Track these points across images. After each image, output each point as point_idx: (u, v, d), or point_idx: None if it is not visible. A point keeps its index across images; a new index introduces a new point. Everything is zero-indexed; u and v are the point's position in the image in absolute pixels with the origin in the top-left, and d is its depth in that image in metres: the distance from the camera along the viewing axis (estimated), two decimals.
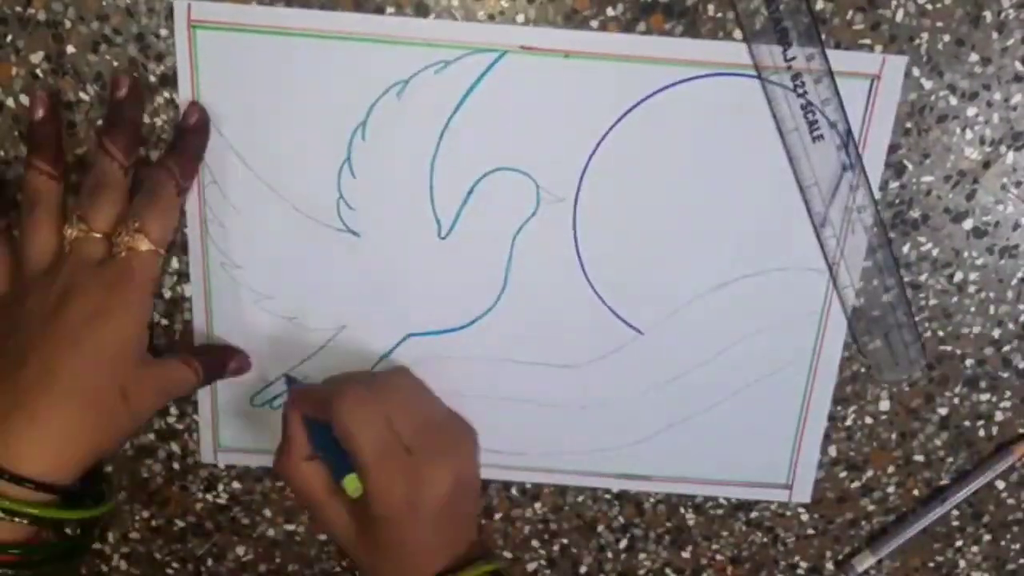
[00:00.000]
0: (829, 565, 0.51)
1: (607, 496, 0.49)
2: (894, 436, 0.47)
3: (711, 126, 0.41)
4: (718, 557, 0.51)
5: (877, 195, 0.42)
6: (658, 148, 0.41)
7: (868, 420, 0.47)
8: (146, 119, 0.41)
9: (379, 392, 0.39)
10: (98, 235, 0.38)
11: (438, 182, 0.42)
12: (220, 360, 0.44)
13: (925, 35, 0.40)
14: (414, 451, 0.38)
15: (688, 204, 0.42)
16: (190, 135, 0.40)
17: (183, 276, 0.44)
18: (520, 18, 0.40)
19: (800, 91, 0.40)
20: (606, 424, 0.46)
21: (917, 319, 0.44)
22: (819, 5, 0.39)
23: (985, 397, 0.46)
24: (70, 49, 0.40)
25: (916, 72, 0.41)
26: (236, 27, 0.40)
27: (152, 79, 0.41)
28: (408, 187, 0.42)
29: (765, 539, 0.50)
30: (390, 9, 0.40)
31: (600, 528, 0.50)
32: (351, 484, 0.38)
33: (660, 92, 0.40)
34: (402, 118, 0.41)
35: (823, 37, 0.39)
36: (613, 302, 0.44)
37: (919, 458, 0.48)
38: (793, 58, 0.39)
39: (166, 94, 0.41)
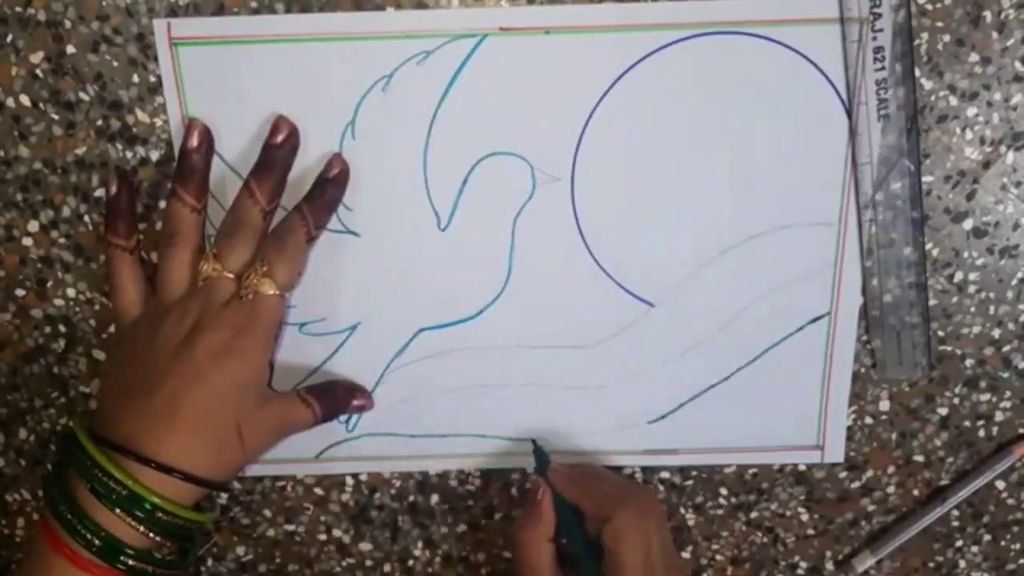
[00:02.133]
0: (829, 565, 0.51)
1: None
2: (894, 436, 0.47)
3: (700, 88, 0.41)
4: (718, 557, 0.51)
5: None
6: (650, 116, 0.41)
7: (868, 420, 0.47)
8: (146, 119, 0.42)
9: (651, 513, 0.40)
10: (230, 276, 0.39)
11: (432, 173, 0.42)
12: (341, 399, 0.44)
13: (925, 35, 0.40)
14: (655, 568, 0.39)
15: (686, 169, 0.42)
16: (330, 186, 0.41)
17: None
18: None
19: (879, 66, 0.39)
20: (627, 402, 0.46)
21: None
22: None
23: (985, 397, 0.46)
24: (70, 49, 0.41)
25: (916, 72, 0.40)
26: (216, 40, 0.40)
27: (152, 79, 0.41)
28: (403, 182, 0.42)
29: (765, 539, 0.50)
30: (390, 7, 0.40)
31: None
32: None
33: (646, 59, 0.40)
34: (390, 113, 0.41)
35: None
36: (620, 277, 0.44)
37: (919, 458, 0.48)
38: (880, 30, 0.39)
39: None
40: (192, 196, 0.40)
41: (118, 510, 0.36)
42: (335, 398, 0.44)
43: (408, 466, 0.48)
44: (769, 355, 0.45)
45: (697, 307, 0.44)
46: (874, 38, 0.39)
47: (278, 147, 0.40)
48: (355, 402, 0.45)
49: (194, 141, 0.40)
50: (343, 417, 0.47)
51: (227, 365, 0.38)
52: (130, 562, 0.36)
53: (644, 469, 0.48)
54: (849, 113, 0.41)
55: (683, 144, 0.42)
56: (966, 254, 0.44)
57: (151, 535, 0.37)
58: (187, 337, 0.38)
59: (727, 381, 0.46)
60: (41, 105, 0.41)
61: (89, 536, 0.36)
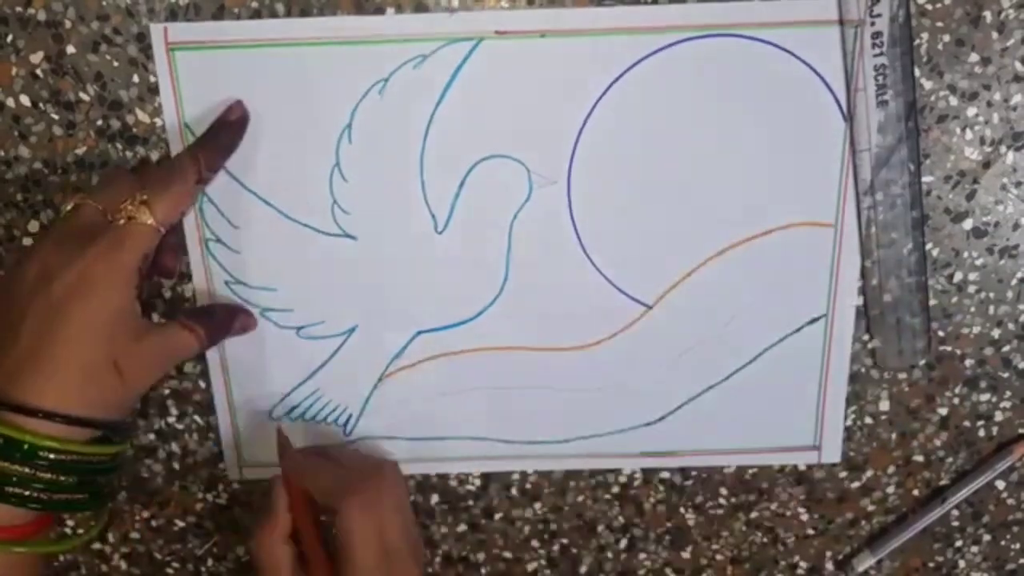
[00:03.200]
0: (829, 565, 0.51)
1: (607, 496, 0.49)
2: (894, 436, 0.47)
3: (696, 91, 0.41)
4: (718, 557, 0.51)
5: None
6: (646, 119, 0.41)
7: (868, 420, 0.47)
8: (146, 119, 0.42)
9: (380, 499, 0.39)
10: (97, 206, 0.37)
11: (429, 177, 0.42)
12: (224, 320, 0.42)
13: (925, 35, 0.40)
14: (391, 556, 0.38)
15: (682, 172, 0.42)
16: (225, 128, 0.40)
17: (184, 276, 0.44)
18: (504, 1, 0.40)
19: (877, 51, 0.39)
20: (625, 404, 0.46)
21: None
22: None
23: (985, 397, 0.46)
24: (70, 49, 0.40)
25: (916, 72, 0.40)
26: (213, 45, 0.40)
27: (152, 79, 0.41)
28: (400, 185, 0.42)
29: (765, 539, 0.50)
30: (390, 9, 0.40)
31: (600, 528, 0.50)
32: None
33: (641, 62, 0.40)
34: (386, 117, 0.41)
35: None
36: (617, 279, 0.44)
37: (919, 458, 0.48)
38: (879, 15, 0.39)
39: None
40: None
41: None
42: (217, 319, 0.42)
43: (407, 469, 0.48)
44: (766, 356, 0.45)
45: (694, 309, 0.44)
46: (872, 23, 0.39)
47: (229, 123, 0.40)
48: (236, 323, 0.43)
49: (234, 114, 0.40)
50: (341, 421, 0.47)
51: (88, 298, 0.35)
52: (13, 490, 0.35)
53: (644, 470, 0.48)
54: (844, 114, 0.41)
55: (679, 147, 0.42)
56: (966, 254, 0.44)
57: (41, 474, 0.35)
58: (43, 271, 0.36)
59: (724, 383, 0.46)
60: (41, 105, 0.41)
61: None
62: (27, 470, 0.34)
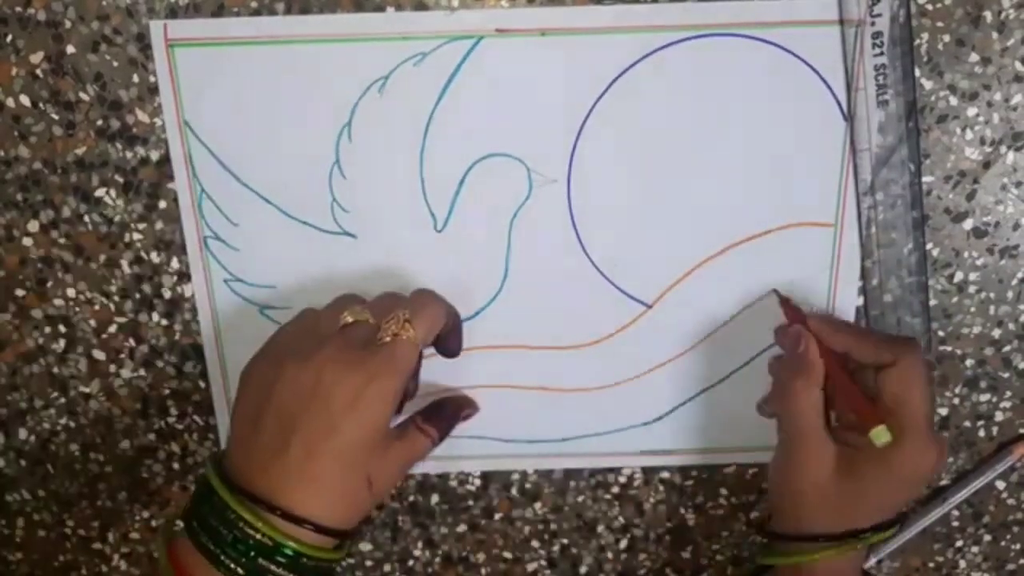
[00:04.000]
0: None
1: (607, 496, 0.49)
2: None
3: (696, 90, 0.41)
4: (718, 557, 0.51)
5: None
6: (646, 118, 0.41)
7: None
8: (145, 119, 0.42)
9: (924, 363, 0.39)
10: (370, 320, 0.38)
11: (429, 175, 0.42)
12: (452, 415, 0.45)
13: (925, 35, 0.40)
14: (938, 434, 0.39)
15: (682, 171, 0.42)
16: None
17: (184, 276, 0.44)
18: None
19: (878, 51, 0.39)
20: (624, 402, 0.46)
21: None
22: None
23: (985, 397, 0.46)
24: (70, 49, 0.40)
25: (916, 72, 0.40)
26: (213, 42, 0.40)
27: (152, 79, 0.41)
28: (399, 183, 0.42)
29: (765, 539, 0.50)
30: (390, 8, 0.40)
31: (600, 528, 0.50)
32: (881, 436, 0.37)
33: (641, 61, 0.40)
34: (386, 115, 0.41)
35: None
36: (617, 278, 0.44)
37: None
38: (879, 15, 0.39)
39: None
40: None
41: (260, 559, 0.35)
42: (447, 419, 0.44)
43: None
44: (766, 356, 0.45)
45: (693, 308, 0.44)
46: (872, 23, 0.39)
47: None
48: (463, 414, 0.46)
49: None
50: None
51: (360, 415, 0.36)
52: None
53: (644, 470, 0.48)
54: (844, 114, 0.41)
55: (679, 146, 0.42)
56: (966, 254, 0.44)
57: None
58: (320, 382, 0.36)
59: (724, 382, 0.46)
60: (41, 105, 0.41)
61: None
62: (284, 572, 0.35)
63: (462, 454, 0.48)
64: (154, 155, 0.42)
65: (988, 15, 0.40)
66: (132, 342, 0.45)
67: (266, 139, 0.41)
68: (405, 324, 0.38)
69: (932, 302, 0.44)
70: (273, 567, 0.35)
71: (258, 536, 0.35)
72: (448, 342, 0.43)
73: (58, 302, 0.45)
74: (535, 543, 0.50)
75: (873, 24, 0.39)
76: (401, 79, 0.40)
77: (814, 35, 0.40)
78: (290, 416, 0.36)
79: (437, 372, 0.46)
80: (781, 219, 0.43)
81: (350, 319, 0.38)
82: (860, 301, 0.44)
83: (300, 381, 0.36)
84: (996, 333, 0.45)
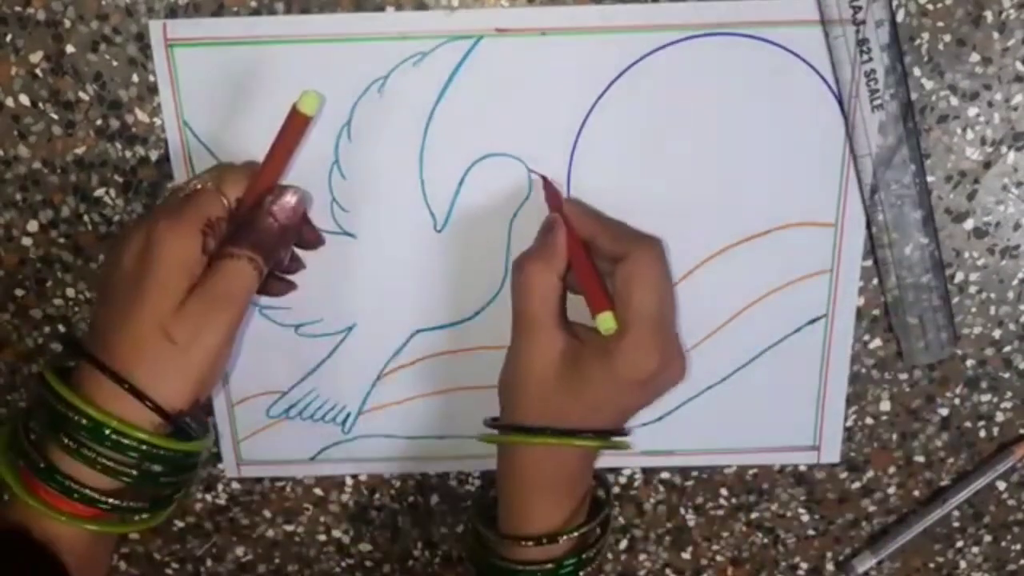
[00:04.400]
0: (830, 566, 0.51)
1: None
2: (895, 437, 0.47)
3: (696, 90, 0.41)
4: (718, 558, 0.51)
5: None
6: (646, 117, 0.41)
7: (869, 420, 0.47)
8: (145, 119, 0.42)
9: (663, 257, 0.38)
10: (196, 186, 0.37)
11: (428, 175, 0.42)
12: (276, 228, 0.38)
13: (926, 35, 0.40)
14: (665, 313, 0.38)
15: (682, 171, 0.42)
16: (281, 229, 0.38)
17: None
18: None
19: (866, 57, 0.39)
20: None
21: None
22: None
23: (986, 398, 0.46)
24: (70, 49, 0.40)
25: (917, 72, 0.40)
26: (213, 41, 0.40)
27: (152, 79, 0.41)
28: (399, 183, 0.42)
29: (765, 540, 0.50)
30: (390, 7, 0.40)
31: None
32: (607, 322, 0.37)
33: (641, 60, 0.40)
34: (385, 114, 0.41)
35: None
36: None
37: (920, 459, 0.48)
38: (863, 22, 0.39)
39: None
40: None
41: (83, 449, 0.34)
42: (266, 231, 0.38)
43: (406, 468, 0.48)
44: (766, 356, 0.45)
45: (693, 308, 0.44)
46: (857, 31, 0.39)
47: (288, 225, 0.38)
48: (292, 232, 0.39)
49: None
50: (339, 419, 0.47)
51: (147, 259, 0.35)
52: (111, 501, 0.36)
53: (644, 470, 0.48)
54: (844, 113, 0.41)
55: (679, 145, 0.42)
56: (967, 254, 0.44)
57: (122, 477, 0.35)
58: (127, 238, 0.36)
59: (724, 382, 0.46)
60: (41, 105, 0.41)
61: (65, 484, 0.35)
62: (116, 455, 0.35)
63: (462, 454, 0.47)
64: (154, 155, 0.42)
65: (989, 15, 0.40)
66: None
67: (266, 139, 0.41)
68: (209, 179, 0.37)
69: (936, 302, 0.44)
70: (105, 458, 0.35)
71: (74, 417, 0.34)
72: (306, 233, 0.41)
73: (58, 302, 0.45)
74: None
75: (859, 31, 0.39)
76: (401, 79, 0.40)
77: (813, 34, 0.40)
78: (116, 277, 0.36)
79: (434, 371, 0.45)
80: (781, 219, 0.43)
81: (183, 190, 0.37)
82: (861, 301, 0.44)
83: (129, 242, 0.36)
84: (997, 333, 0.45)
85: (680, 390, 0.46)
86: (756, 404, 0.46)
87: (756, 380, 0.45)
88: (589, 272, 0.38)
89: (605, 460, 0.47)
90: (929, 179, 0.42)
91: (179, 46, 0.40)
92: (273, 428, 0.47)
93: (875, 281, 0.43)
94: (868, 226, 0.42)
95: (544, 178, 0.41)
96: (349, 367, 0.45)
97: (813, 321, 0.44)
